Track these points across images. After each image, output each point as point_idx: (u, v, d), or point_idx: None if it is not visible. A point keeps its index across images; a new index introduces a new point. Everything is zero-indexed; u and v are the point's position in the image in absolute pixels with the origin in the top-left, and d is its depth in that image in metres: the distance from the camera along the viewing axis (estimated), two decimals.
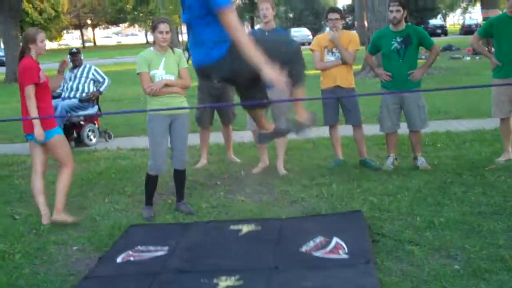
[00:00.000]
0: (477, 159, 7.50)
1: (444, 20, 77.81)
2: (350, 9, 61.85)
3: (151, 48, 6.19)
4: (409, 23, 7.42)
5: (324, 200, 6.25)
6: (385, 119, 7.40)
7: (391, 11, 7.24)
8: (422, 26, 51.07)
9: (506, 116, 7.34)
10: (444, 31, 55.46)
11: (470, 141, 8.58)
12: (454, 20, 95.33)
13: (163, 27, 5.97)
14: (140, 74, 6.06)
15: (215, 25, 3.78)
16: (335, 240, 4.72)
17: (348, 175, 7.13)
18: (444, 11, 78.62)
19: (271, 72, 3.63)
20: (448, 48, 31.21)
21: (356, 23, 44.95)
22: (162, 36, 5.98)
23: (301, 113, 4.43)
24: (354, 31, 39.45)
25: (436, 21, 60.71)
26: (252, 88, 4.23)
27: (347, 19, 59.37)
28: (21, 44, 6.27)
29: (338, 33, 7.47)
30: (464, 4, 73.80)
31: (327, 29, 7.81)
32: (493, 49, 8.60)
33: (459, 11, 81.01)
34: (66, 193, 6.18)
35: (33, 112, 5.77)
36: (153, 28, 6.05)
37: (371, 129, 8.56)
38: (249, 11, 75.15)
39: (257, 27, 7.97)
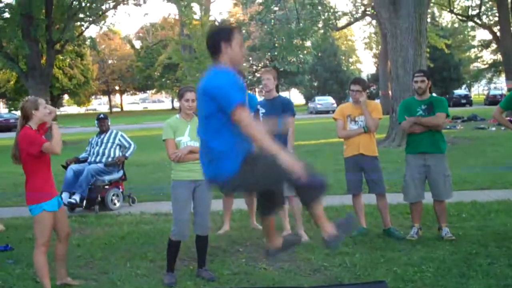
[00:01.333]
0: (503, 230, 7.41)
1: (469, 90, 78.07)
2: (375, 78, 62.38)
3: (177, 116, 6.31)
4: (433, 94, 7.48)
5: (347, 270, 6.20)
6: (409, 188, 7.39)
7: (416, 82, 7.35)
8: (447, 96, 51.50)
9: None
10: (468, 101, 55.60)
11: (495, 211, 8.50)
12: (479, 90, 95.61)
13: (189, 95, 6.11)
14: (166, 140, 6.17)
15: (229, 137, 4.00)
16: None
17: (371, 245, 7.08)
18: (469, 81, 78.96)
19: (287, 159, 3.80)
20: (473, 118, 31.21)
21: (380, 92, 45.33)
22: (188, 104, 6.10)
23: (326, 228, 4.27)
24: (378, 100, 39.79)
25: (460, 91, 60.88)
26: (268, 197, 4.32)
27: (372, 88, 59.96)
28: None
29: (365, 98, 7.58)
30: (489, 75, 74.04)
31: (350, 99, 7.91)
32: None
33: (484, 81, 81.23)
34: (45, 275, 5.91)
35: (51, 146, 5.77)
36: (180, 96, 6.19)
37: (395, 198, 8.51)
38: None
39: (260, 99, 8.19)
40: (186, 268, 6.53)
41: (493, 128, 24.76)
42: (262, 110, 7.45)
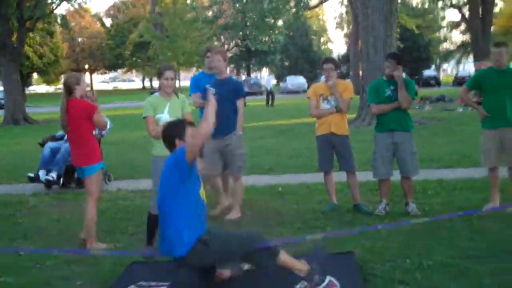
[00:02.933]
0: (467, 206, 7.76)
1: (438, 71, 78.92)
2: (346, 58, 62.78)
3: (157, 94, 6.54)
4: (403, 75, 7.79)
5: (318, 242, 6.49)
6: (378, 165, 7.70)
7: (387, 66, 7.63)
8: (416, 76, 52.10)
9: (494, 165, 7.65)
10: (437, 81, 56.33)
11: (460, 188, 8.88)
12: (448, 71, 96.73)
13: (169, 74, 6.35)
14: (146, 118, 6.41)
15: (183, 218, 4.57)
16: (328, 278, 4.95)
17: (341, 219, 7.40)
18: (438, 62, 79.82)
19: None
20: (441, 99, 31.75)
21: (351, 72, 45.73)
22: (167, 82, 6.35)
23: (300, 269, 4.87)
24: (349, 80, 40.21)
25: (429, 72, 61.61)
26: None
27: (342, 68, 60.29)
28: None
29: (334, 81, 7.83)
30: (458, 56, 74.93)
31: (323, 78, 8.17)
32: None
33: (453, 62, 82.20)
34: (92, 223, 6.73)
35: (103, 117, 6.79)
36: (159, 75, 6.42)
37: (364, 175, 8.84)
38: (245, 59, 76.21)
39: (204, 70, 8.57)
40: None
41: (460, 109, 25.27)
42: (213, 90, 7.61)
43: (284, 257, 4.78)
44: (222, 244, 4.57)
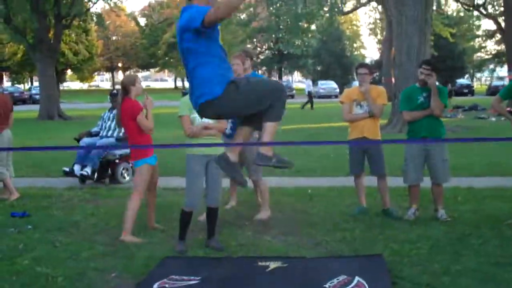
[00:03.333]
0: (496, 214, 7.79)
1: (472, 80, 78.29)
2: (378, 65, 62.52)
3: None
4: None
5: (347, 244, 6.59)
6: (409, 171, 7.77)
7: (421, 73, 7.69)
8: (449, 84, 51.78)
9: None
10: (470, 90, 55.92)
11: (490, 197, 8.89)
12: (481, 80, 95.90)
13: None
14: (182, 117, 6.57)
15: (211, 65, 4.16)
16: (357, 279, 5.06)
17: (371, 222, 7.48)
18: (472, 71, 79.20)
19: None
20: (474, 107, 31.57)
21: (383, 78, 45.56)
22: None
23: (265, 147, 4.42)
24: (382, 86, 39.80)
25: (463, 81, 61.15)
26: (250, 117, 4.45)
27: (374, 74, 59.97)
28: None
29: (367, 87, 7.92)
30: (492, 65, 74.27)
31: (356, 83, 8.26)
32: None
33: (487, 71, 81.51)
34: (132, 216, 6.97)
35: (149, 123, 7.00)
36: None
37: (395, 180, 8.89)
38: (277, 62, 76.30)
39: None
40: (196, 238, 6.92)
41: (493, 119, 25.09)
42: None
43: (275, 129, 4.38)
44: (253, 88, 4.25)
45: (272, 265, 5.58)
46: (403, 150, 8.07)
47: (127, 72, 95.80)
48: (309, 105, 37.38)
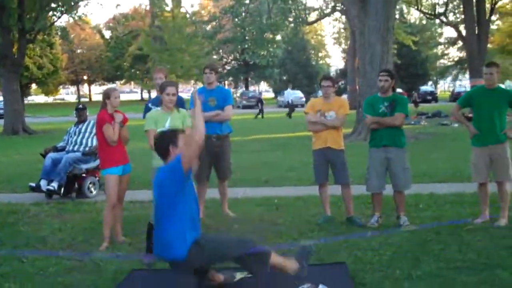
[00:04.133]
0: (456, 219, 8.00)
1: (435, 86, 79.40)
2: (343, 73, 63.19)
3: (159, 108, 6.80)
4: (395, 92, 8.07)
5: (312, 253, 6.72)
6: (372, 179, 7.96)
7: (380, 80, 7.92)
8: (413, 92, 52.47)
9: (484, 180, 7.92)
10: (434, 97, 56.73)
11: (451, 203, 9.12)
12: (445, 86, 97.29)
13: (170, 89, 6.64)
14: (148, 131, 6.69)
15: (179, 225, 4.73)
16: (320, 286, 5.18)
17: (335, 231, 7.63)
18: (435, 78, 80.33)
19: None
20: (437, 114, 32.09)
21: (348, 87, 46.08)
22: (169, 97, 6.63)
23: (289, 268, 5.21)
24: (346, 95, 40.33)
25: (426, 87, 62.04)
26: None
27: (340, 83, 60.57)
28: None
29: (330, 98, 8.13)
30: (455, 72, 75.41)
31: (320, 93, 8.45)
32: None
33: (450, 78, 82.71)
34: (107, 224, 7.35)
35: (113, 135, 7.19)
36: (161, 90, 6.69)
37: (358, 189, 9.07)
38: (244, 73, 76.53)
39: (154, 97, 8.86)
40: None
41: (456, 125, 25.52)
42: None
43: (275, 258, 5.00)
44: (216, 247, 4.78)
45: (238, 275, 5.67)
46: (366, 158, 8.24)
47: (93, 85, 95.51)
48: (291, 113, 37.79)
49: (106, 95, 7.37)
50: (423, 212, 8.62)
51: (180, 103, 7.51)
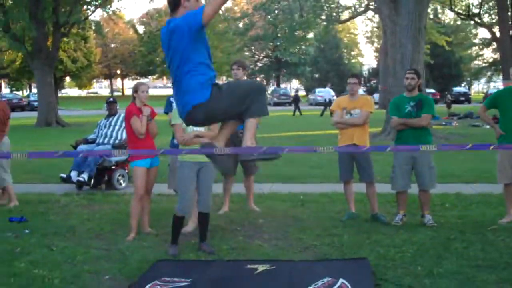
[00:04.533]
0: (481, 219, 8.02)
1: (469, 87, 78.51)
2: (376, 72, 62.88)
3: None
4: (422, 92, 8.09)
5: (335, 248, 6.80)
6: (397, 178, 7.99)
7: (406, 78, 7.95)
8: (446, 92, 52.03)
9: (509, 181, 7.91)
10: (467, 98, 56.12)
11: (476, 203, 9.11)
12: (479, 88, 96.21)
13: None
14: (174, 125, 6.81)
15: (199, 72, 4.37)
16: (341, 281, 5.26)
17: (359, 228, 7.69)
18: (469, 79, 79.46)
19: None
20: (469, 115, 31.79)
21: (380, 86, 45.84)
22: None
23: (248, 141, 4.58)
24: (377, 95, 39.95)
25: (460, 88, 61.40)
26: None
27: (372, 82, 60.27)
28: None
29: (355, 96, 8.20)
30: (489, 73, 74.49)
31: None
32: None
33: (484, 79, 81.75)
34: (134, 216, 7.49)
35: (140, 127, 7.41)
36: None
37: (384, 187, 9.10)
38: (275, 70, 76.49)
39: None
40: (188, 242, 7.13)
41: (487, 126, 25.24)
42: None
43: (255, 124, 4.62)
44: (233, 88, 4.54)
45: (260, 267, 5.78)
46: (392, 158, 8.27)
47: (126, 79, 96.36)
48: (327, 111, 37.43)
49: (135, 89, 7.62)
50: (449, 211, 8.62)
51: None
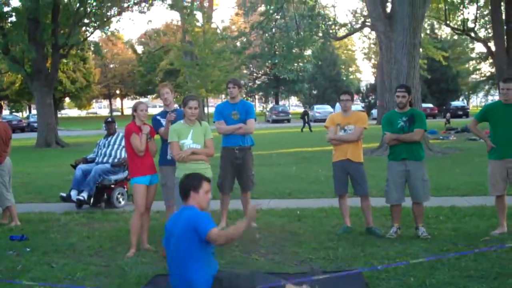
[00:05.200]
0: (474, 231, 8.15)
1: (467, 101, 78.69)
2: (374, 88, 63.15)
3: (182, 121, 7.08)
4: (413, 107, 8.25)
5: (330, 262, 6.93)
6: (391, 191, 8.14)
7: (398, 96, 8.11)
8: (444, 107, 52.16)
9: (501, 193, 8.07)
10: (465, 112, 56.26)
11: (470, 215, 9.24)
12: (477, 101, 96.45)
13: (193, 103, 6.93)
14: (171, 143, 6.98)
15: (201, 271, 5.04)
16: None
17: (354, 241, 7.82)
18: (467, 93, 79.70)
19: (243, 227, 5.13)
20: (466, 129, 31.90)
21: (377, 102, 46.02)
22: (191, 111, 6.91)
23: None
24: (375, 110, 39.89)
25: (457, 103, 61.63)
26: None
27: (370, 98, 60.46)
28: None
29: (349, 112, 8.36)
30: (486, 87, 74.73)
31: (338, 107, 8.68)
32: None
33: (482, 93, 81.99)
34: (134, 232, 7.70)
35: (139, 145, 7.58)
36: (184, 104, 6.99)
37: (380, 201, 9.22)
38: (273, 87, 76.73)
39: (161, 110, 8.94)
40: None
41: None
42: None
43: None
44: (232, 280, 5.02)
45: None
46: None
47: (125, 99, 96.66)
48: None
49: (134, 108, 7.82)
50: (443, 224, 8.75)
51: (180, 115, 7.74)
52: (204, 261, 5.04)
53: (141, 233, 7.82)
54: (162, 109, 8.73)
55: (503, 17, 31.72)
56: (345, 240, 7.90)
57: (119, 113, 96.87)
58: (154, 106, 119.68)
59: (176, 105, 8.67)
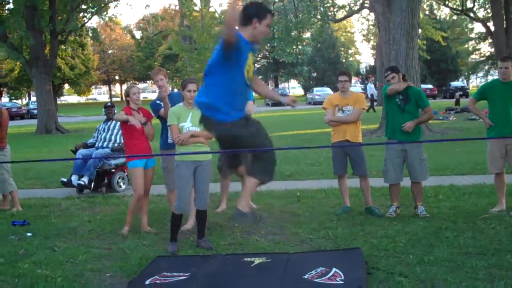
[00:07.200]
0: (473, 209, 8.21)
1: (467, 82, 78.58)
2: (373, 69, 63.04)
3: (181, 104, 7.11)
4: (406, 81, 8.25)
5: (330, 241, 7.00)
6: (389, 171, 8.18)
7: (388, 80, 8.13)
8: (443, 87, 52.07)
9: (499, 170, 8.11)
10: (465, 92, 56.18)
11: (469, 193, 9.30)
12: (477, 82, 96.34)
13: (191, 86, 6.96)
14: (170, 126, 7.00)
15: (225, 94, 4.86)
16: (334, 270, 5.44)
17: (353, 221, 7.88)
18: (466, 73, 79.60)
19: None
20: (465, 109, 31.90)
21: (377, 83, 45.93)
22: (190, 94, 6.93)
23: (243, 202, 5.12)
24: (376, 91, 39.62)
25: (457, 83, 61.54)
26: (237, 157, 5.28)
27: (370, 79, 60.34)
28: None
29: (347, 93, 8.37)
30: (486, 67, 74.63)
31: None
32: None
33: (481, 73, 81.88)
34: (130, 211, 7.91)
35: (120, 116, 7.84)
36: (183, 87, 7.02)
37: (380, 181, 9.27)
38: (273, 70, 76.58)
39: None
40: (187, 239, 7.33)
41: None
42: None
43: (254, 186, 5.18)
44: (255, 129, 5.01)
45: (257, 260, 5.95)
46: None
47: (124, 85, 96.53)
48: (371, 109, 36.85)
49: (126, 93, 8.03)
50: (442, 202, 8.82)
51: (177, 98, 7.78)
52: (226, 88, 4.89)
53: (141, 216, 7.89)
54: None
55: None
56: (344, 220, 7.96)
57: (119, 99, 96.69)
58: (153, 91, 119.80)
59: (171, 89, 8.69)
